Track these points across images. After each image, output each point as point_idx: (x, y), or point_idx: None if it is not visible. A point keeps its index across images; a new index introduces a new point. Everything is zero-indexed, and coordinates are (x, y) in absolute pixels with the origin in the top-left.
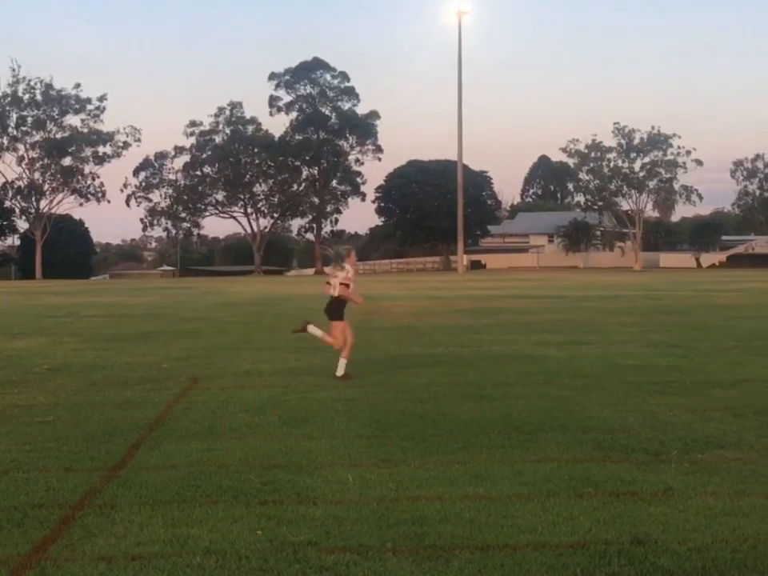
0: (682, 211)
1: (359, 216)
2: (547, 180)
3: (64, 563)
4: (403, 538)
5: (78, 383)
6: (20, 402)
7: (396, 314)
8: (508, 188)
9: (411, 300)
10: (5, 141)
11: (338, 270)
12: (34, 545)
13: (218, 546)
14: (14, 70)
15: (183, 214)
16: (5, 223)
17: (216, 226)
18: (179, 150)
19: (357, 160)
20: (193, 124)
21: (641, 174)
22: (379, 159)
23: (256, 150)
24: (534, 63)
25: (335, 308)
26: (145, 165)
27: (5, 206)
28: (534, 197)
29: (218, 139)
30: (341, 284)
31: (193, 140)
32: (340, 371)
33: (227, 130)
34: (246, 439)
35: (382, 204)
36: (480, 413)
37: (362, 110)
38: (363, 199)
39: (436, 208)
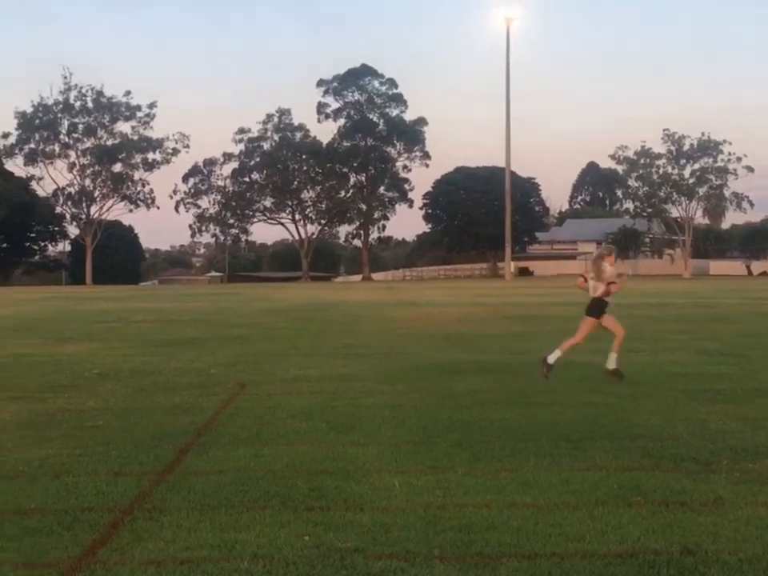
0: (732, 218)
1: (406, 222)
2: (596, 187)
3: (113, 566)
4: (450, 545)
5: (128, 388)
6: (70, 407)
7: (443, 320)
8: (556, 195)
9: (458, 307)
10: (56, 148)
11: (595, 268)
12: (84, 548)
13: (265, 551)
14: (65, 77)
15: (231, 221)
16: (56, 229)
17: (264, 233)
18: (228, 157)
19: (404, 167)
20: (241, 131)
21: (690, 181)
22: (427, 166)
23: (304, 156)
24: (582, 69)
25: (594, 306)
26: (194, 171)
27: (56, 212)
28: (582, 203)
29: (266, 146)
30: (609, 283)
31: (241, 147)
32: (611, 364)
33: (275, 137)
34: (293, 445)
35: (430, 210)
36: (527, 420)
37: (409, 116)
38: (411, 206)
39: (483, 215)
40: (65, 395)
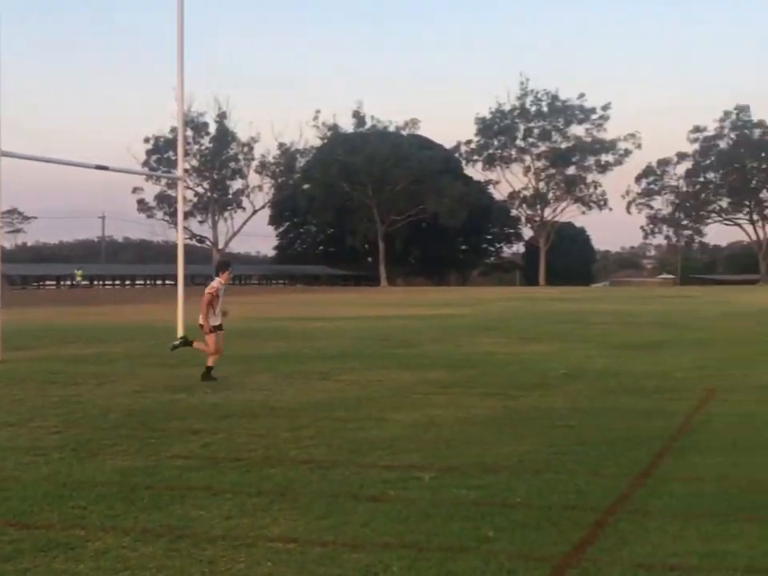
0: None
1: None
2: None
3: (604, 566)
4: None
5: (594, 389)
6: (541, 405)
7: None
8: None
9: None
10: (513, 152)
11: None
12: (573, 545)
13: (760, 564)
14: (522, 83)
15: (685, 221)
16: (511, 231)
17: (718, 234)
18: (681, 157)
19: None
20: (696, 130)
21: None
22: None
23: (763, 154)
24: None
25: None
26: (647, 172)
27: (511, 214)
28: None
29: (722, 144)
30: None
31: (696, 146)
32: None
33: (732, 135)
34: None
35: None
36: None
37: None
38: None
39: None
40: (535, 393)
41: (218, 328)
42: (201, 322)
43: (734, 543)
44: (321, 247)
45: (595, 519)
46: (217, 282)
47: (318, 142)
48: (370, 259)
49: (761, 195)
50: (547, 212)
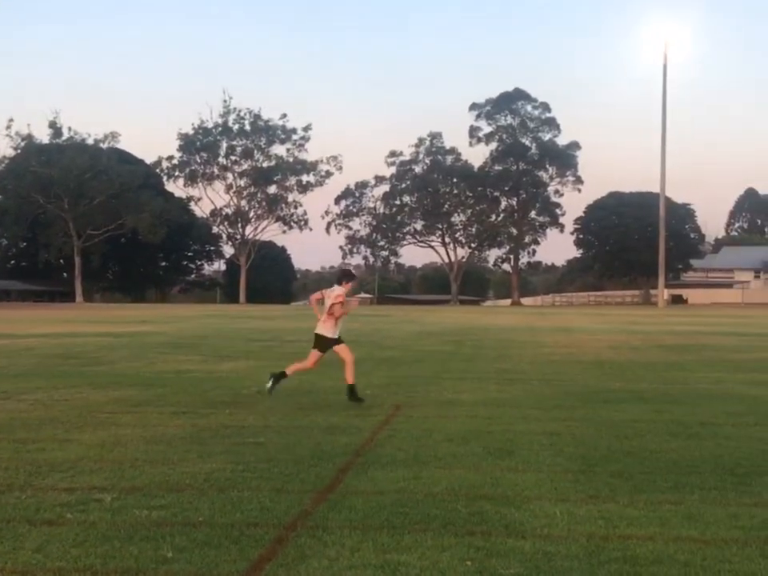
0: None
1: (557, 247)
2: (754, 213)
3: None
4: None
5: (286, 406)
6: (232, 423)
7: (596, 347)
8: (712, 221)
9: (611, 334)
10: (215, 169)
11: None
12: (252, 562)
13: (428, 574)
14: (225, 101)
15: (382, 242)
16: (212, 249)
17: (413, 255)
18: (379, 180)
19: (556, 191)
20: (393, 154)
21: None
22: (579, 190)
23: (455, 180)
24: (741, 93)
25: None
26: (346, 194)
27: (213, 232)
28: (739, 231)
29: (417, 169)
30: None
31: (393, 170)
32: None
33: (427, 160)
34: (451, 469)
35: (581, 236)
36: (689, 452)
37: (562, 140)
38: (562, 231)
39: (636, 241)
40: (225, 411)
41: (339, 341)
42: (328, 335)
43: (407, 554)
44: (12, 261)
45: (276, 536)
46: (342, 290)
47: (10, 152)
48: (65, 274)
49: (452, 219)
50: (248, 230)
